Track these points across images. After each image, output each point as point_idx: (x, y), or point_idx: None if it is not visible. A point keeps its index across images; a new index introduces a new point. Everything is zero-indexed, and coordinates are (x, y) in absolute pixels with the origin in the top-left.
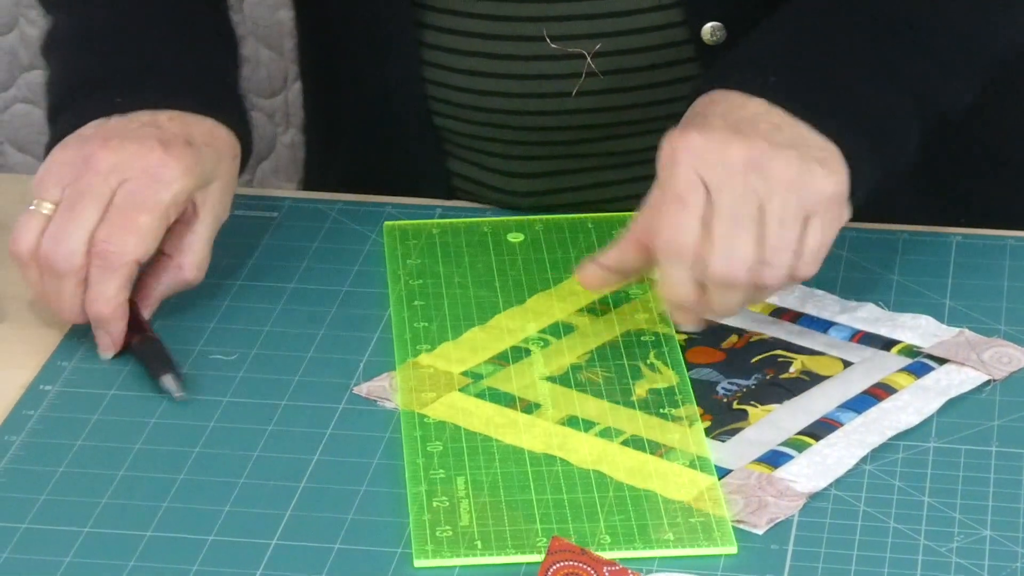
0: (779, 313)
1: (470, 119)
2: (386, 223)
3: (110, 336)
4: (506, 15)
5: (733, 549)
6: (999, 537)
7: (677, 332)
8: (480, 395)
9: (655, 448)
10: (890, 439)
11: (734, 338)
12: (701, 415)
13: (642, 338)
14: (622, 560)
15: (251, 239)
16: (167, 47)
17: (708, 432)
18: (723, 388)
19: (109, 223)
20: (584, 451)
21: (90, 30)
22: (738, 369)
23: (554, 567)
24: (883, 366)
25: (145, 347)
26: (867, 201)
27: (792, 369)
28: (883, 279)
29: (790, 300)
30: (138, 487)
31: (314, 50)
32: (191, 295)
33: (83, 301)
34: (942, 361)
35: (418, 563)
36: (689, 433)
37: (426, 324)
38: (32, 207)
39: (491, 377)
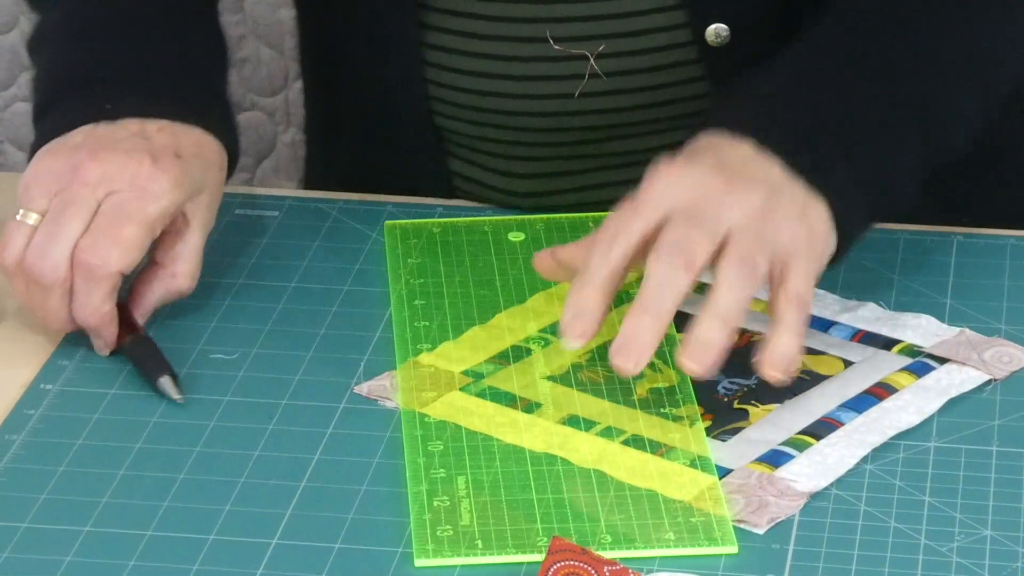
0: None
1: (472, 120)
2: (387, 222)
3: (103, 339)
4: (509, 16)
5: (734, 549)
6: (1000, 537)
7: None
8: (481, 394)
9: (656, 447)
10: (891, 439)
11: (735, 337)
12: (702, 414)
13: None
14: (623, 560)
15: (252, 238)
16: (156, 48)
17: (709, 431)
18: (724, 387)
19: (93, 234)
20: (585, 450)
21: (78, 28)
22: (739, 368)
23: (555, 567)
24: (884, 366)
25: (138, 349)
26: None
27: None
28: (884, 279)
29: None
30: (138, 486)
31: (315, 49)
32: (191, 294)
33: (70, 311)
34: (943, 361)
35: (418, 562)
36: (690, 432)
37: (427, 323)
38: (18, 217)
39: (492, 376)
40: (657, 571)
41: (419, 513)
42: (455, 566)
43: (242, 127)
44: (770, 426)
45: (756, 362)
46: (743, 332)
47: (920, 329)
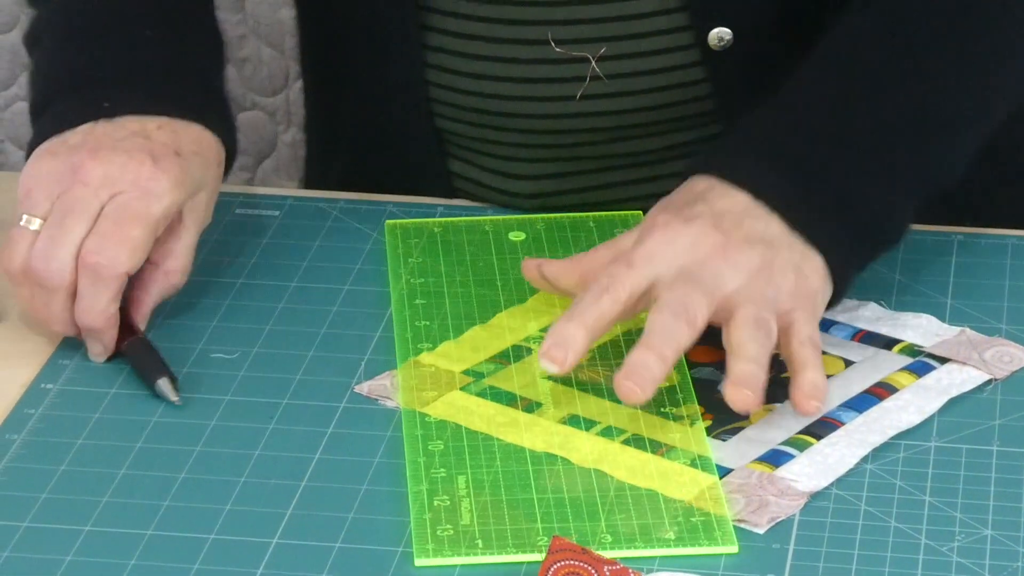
0: None
1: (473, 121)
2: (387, 222)
3: (102, 343)
4: (510, 18)
5: (734, 548)
6: (1000, 537)
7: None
8: (481, 394)
9: (656, 447)
10: (891, 438)
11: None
12: (702, 414)
13: None
14: (623, 559)
15: (253, 238)
16: (153, 45)
17: (709, 431)
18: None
19: (99, 235)
20: (585, 450)
21: (74, 25)
22: None
23: (555, 566)
24: (884, 365)
25: (136, 351)
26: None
27: None
28: (884, 278)
29: None
30: (139, 486)
31: (315, 50)
32: (192, 294)
33: (73, 313)
34: (943, 360)
35: (419, 562)
36: (690, 432)
37: (427, 323)
38: (21, 223)
39: (492, 376)
40: (657, 571)
41: (419, 512)
42: (455, 565)
43: (243, 127)
44: (770, 426)
45: (791, 399)
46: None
47: (921, 329)
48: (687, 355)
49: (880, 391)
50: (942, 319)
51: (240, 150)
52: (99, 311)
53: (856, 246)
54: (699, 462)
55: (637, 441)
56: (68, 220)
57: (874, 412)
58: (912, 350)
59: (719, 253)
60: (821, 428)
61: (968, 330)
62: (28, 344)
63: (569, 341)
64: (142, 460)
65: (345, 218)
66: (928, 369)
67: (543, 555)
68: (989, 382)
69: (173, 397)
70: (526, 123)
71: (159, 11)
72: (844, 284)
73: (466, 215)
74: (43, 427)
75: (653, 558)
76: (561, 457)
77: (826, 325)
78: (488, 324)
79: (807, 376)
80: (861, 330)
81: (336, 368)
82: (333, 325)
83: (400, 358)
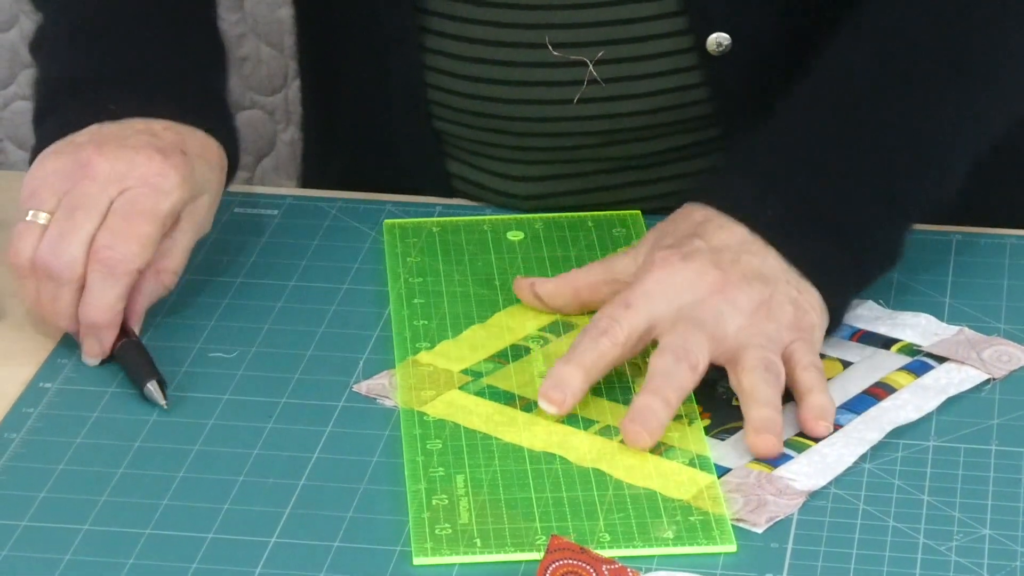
0: None
1: (470, 123)
2: (386, 221)
3: (100, 344)
4: (508, 22)
5: (732, 547)
6: (998, 536)
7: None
8: (480, 393)
9: (654, 446)
10: (890, 438)
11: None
12: (700, 413)
13: None
14: (621, 558)
15: (251, 237)
16: (159, 52)
17: (708, 430)
18: (723, 386)
19: (111, 230)
20: (583, 449)
21: (80, 29)
22: None
23: (553, 565)
24: (883, 364)
25: (128, 353)
26: None
27: None
28: (883, 277)
29: None
30: (137, 485)
31: (313, 50)
32: (190, 293)
33: (77, 309)
34: (942, 359)
35: (417, 561)
36: (688, 431)
37: (426, 322)
38: (28, 218)
39: (491, 375)
40: (656, 570)
41: (418, 512)
42: (454, 564)
43: (241, 126)
44: None
45: (800, 422)
46: None
47: (919, 328)
48: None
49: (879, 392)
50: (940, 318)
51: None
52: (107, 306)
53: (852, 275)
54: (697, 461)
55: None
56: (78, 214)
57: (872, 412)
58: (911, 349)
59: (718, 292)
60: None
61: (966, 329)
62: (27, 343)
63: (567, 382)
64: (140, 459)
65: (344, 217)
66: (926, 368)
67: (541, 554)
68: (987, 381)
69: (161, 401)
70: (524, 126)
71: (164, 20)
72: (840, 314)
73: (465, 215)
74: (42, 426)
75: (651, 557)
76: (560, 456)
77: None
78: (486, 323)
79: (814, 399)
80: (859, 329)
81: (334, 367)
82: (331, 324)
83: (398, 357)
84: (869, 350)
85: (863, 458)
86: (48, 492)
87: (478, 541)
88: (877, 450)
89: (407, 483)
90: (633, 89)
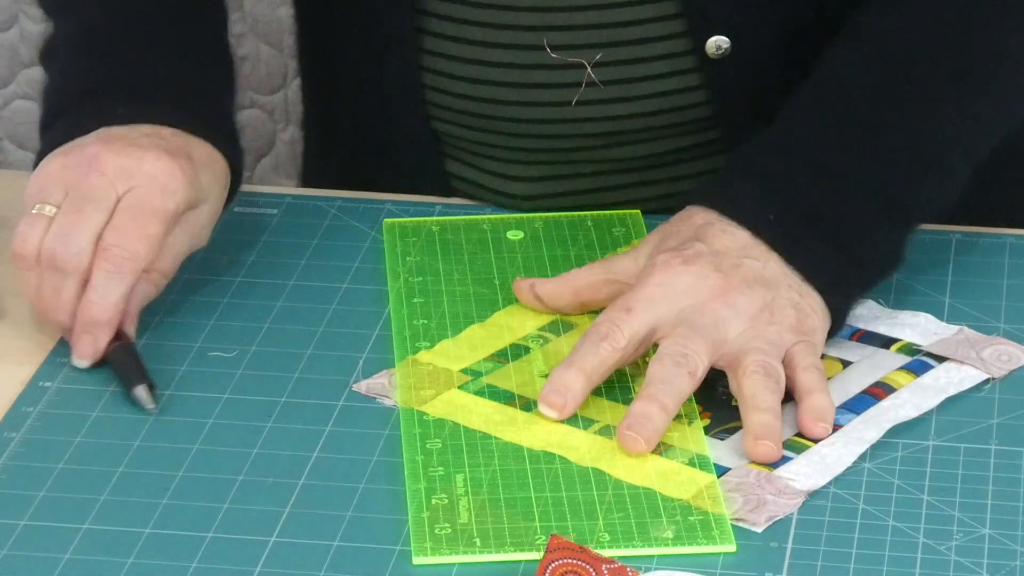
0: None
1: (469, 125)
2: (386, 220)
3: (95, 343)
4: (507, 24)
5: (732, 547)
6: (998, 535)
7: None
8: (479, 392)
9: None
10: (889, 438)
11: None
12: (700, 413)
13: None
14: (621, 558)
15: (250, 236)
16: (168, 65)
17: (707, 430)
18: (723, 386)
19: (119, 228)
20: (583, 449)
21: (91, 40)
22: None
23: (553, 565)
24: (882, 364)
25: (119, 356)
26: None
27: None
28: (886, 280)
29: None
30: (137, 484)
31: (313, 50)
32: (190, 292)
33: (78, 304)
34: (941, 359)
35: (417, 560)
36: (688, 431)
37: (425, 321)
38: (34, 211)
39: (490, 375)
40: (655, 569)
41: (417, 511)
42: (453, 564)
43: (241, 125)
44: None
45: (799, 423)
46: None
47: (919, 327)
48: None
49: (878, 391)
50: (940, 318)
51: None
52: (111, 303)
53: (854, 280)
54: (697, 461)
55: None
56: (87, 207)
57: (872, 412)
58: (910, 349)
59: (719, 296)
60: None
61: (966, 329)
62: (27, 342)
63: (568, 387)
64: (140, 458)
65: (343, 216)
66: (926, 368)
67: (541, 554)
68: (987, 381)
69: (150, 404)
70: (522, 127)
71: (175, 35)
72: (842, 317)
73: (464, 214)
74: (41, 425)
75: (651, 556)
76: (559, 456)
77: None
78: (486, 323)
79: (814, 400)
80: (859, 329)
81: (334, 366)
82: (331, 323)
83: (398, 356)
84: (869, 349)
85: (863, 458)
86: (48, 491)
87: (477, 540)
88: (877, 450)
89: (407, 482)
90: (632, 91)
